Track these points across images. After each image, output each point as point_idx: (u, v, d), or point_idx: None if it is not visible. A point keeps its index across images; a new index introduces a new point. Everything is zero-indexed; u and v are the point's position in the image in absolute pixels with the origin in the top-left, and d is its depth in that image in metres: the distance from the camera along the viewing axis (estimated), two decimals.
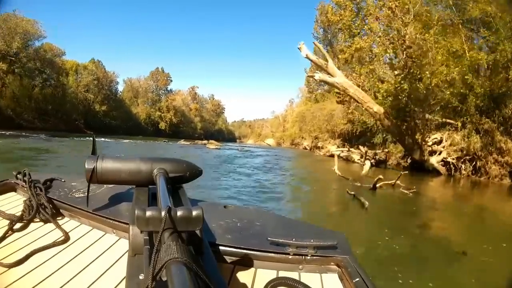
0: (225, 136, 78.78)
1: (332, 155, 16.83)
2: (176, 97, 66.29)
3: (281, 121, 57.09)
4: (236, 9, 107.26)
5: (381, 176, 7.05)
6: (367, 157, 13.84)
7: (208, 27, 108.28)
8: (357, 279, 0.82)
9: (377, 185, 6.87)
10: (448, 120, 12.87)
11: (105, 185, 1.22)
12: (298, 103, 51.17)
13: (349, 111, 21.02)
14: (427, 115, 12.72)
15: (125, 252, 0.90)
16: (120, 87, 58.65)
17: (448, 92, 12.09)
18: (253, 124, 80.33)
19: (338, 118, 25.67)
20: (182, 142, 31.48)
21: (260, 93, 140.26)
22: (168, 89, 64.18)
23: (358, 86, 13.69)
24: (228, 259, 0.91)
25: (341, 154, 16.39)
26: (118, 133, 39.36)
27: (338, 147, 21.06)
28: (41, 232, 1.04)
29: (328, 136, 28.10)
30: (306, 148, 33.64)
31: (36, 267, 0.85)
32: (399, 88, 12.23)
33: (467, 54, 11.67)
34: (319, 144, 27.92)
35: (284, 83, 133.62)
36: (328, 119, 28.27)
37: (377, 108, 12.30)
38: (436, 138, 12.98)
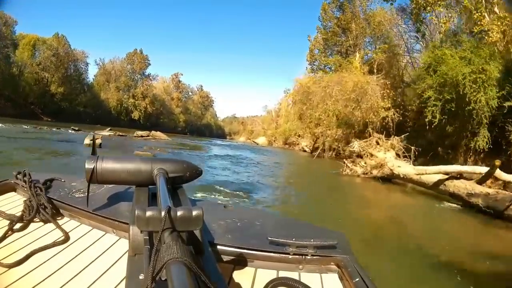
0: (214, 131, 72.34)
1: (388, 177, 9.24)
2: (156, 85, 58.24)
3: (274, 116, 49.09)
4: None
5: None
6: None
7: (198, 17, 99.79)
8: (357, 279, 0.82)
9: None
10: None
11: (105, 185, 1.22)
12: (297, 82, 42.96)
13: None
14: None
15: (125, 252, 0.89)
16: (94, 70, 51.62)
17: None
18: (246, 121, 71.53)
19: (373, 97, 16.64)
20: (105, 132, 19.98)
21: (254, 90, 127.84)
22: (146, 73, 55.13)
23: None
24: (228, 259, 0.91)
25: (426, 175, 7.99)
26: (84, 122, 33.29)
27: (398, 155, 10.19)
28: (41, 232, 1.03)
29: (354, 131, 17.23)
30: (305, 150, 25.87)
31: (36, 267, 0.85)
32: None
33: None
34: (341, 147, 17.48)
35: (281, 81, 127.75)
36: (357, 98, 17.00)
37: None
38: None
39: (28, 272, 0.82)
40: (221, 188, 6.29)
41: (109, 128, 22.15)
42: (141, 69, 53.51)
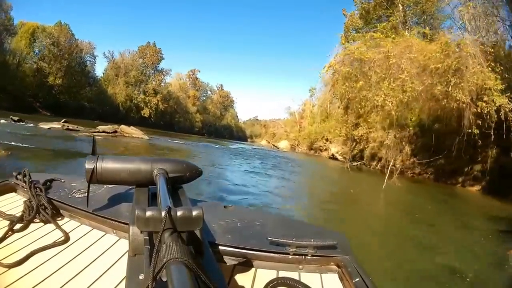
0: (234, 134, 68.82)
1: None
2: (172, 82, 54.41)
3: (297, 118, 44.27)
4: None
5: None
6: None
7: (217, 18, 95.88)
8: (357, 279, 0.83)
9: None
10: None
11: (105, 185, 1.22)
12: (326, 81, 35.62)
13: None
14: None
15: (125, 252, 0.90)
16: (103, 64, 49.40)
17: None
18: (268, 124, 69.26)
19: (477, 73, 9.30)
20: (54, 124, 15.26)
21: (277, 92, 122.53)
22: (159, 68, 50.88)
23: None
24: (228, 259, 0.92)
25: None
26: (88, 117, 30.72)
27: None
28: (41, 232, 1.03)
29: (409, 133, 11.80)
30: (335, 158, 20.27)
31: (36, 268, 0.85)
32: None
33: None
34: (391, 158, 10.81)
35: (304, 83, 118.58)
36: (451, 72, 9.63)
37: None
38: None
39: (28, 273, 0.82)
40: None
41: (64, 120, 16.57)
42: (153, 63, 49.30)
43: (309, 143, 30.17)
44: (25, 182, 1.21)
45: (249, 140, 68.68)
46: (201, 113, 59.48)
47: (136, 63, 47.68)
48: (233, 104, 71.72)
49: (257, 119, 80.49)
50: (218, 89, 66.71)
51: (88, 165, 0.94)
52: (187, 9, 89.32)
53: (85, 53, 41.95)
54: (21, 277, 0.80)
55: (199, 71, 61.03)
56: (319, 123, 25.27)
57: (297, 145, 34.47)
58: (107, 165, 0.96)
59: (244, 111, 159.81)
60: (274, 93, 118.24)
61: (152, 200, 0.89)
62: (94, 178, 0.95)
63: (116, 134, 15.31)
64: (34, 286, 0.77)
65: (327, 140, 25.16)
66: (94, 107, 39.44)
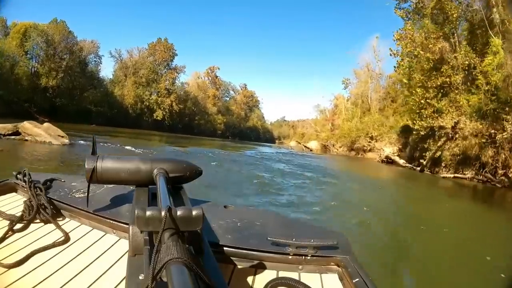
0: (261, 135, 64.44)
1: None
2: (189, 81, 49.12)
3: (329, 116, 39.65)
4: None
5: None
6: None
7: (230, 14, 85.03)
8: (357, 279, 0.82)
9: None
10: None
11: (105, 185, 1.22)
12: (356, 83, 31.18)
13: None
14: None
15: (125, 252, 0.90)
16: (109, 63, 45.43)
17: None
18: (296, 124, 64.95)
19: None
20: None
21: (303, 93, 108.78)
22: (172, 66, 44.99)
23: None
24: (228, 259, 0.92)
25: None
26: (95, 122, 28.38)
27: None
28: (41, 232, 1.03)
29: None
30: (390, 161, 15.61)
31: (37, 268, 0.85)
32: None
33: None
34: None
35: (330, 84, 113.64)
36: None
37: None
38: None
39: (28, 272, 0.82)
40: None
41: None
42: (165, 61, 43.83)
43: (349, 142, 24.41)
44: (25, 182, 1.21)
45: (277, 142, 65.03)
46: (223, 115, 54.29)
47: (146, 61, 42.71)
48: (259, 104, 65.93)
49: (284, 120, 76.06)
50: (241, 89, 61.04)
51: (88, 165, 0.94)
52: (202, 4, 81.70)
53: (87, 53, 37.62)
54: (21, 277, 0.80)
55: (219, 68, 54.80)
56: (360, 117, 21.65)
57: (333, 145, 29.30)
58: (107, 165, 0.96)
59: (270, 112, 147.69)
60: (300, 93, 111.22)
61: (152, 200, 0.90)
62: (94, 178, 0.95)
63: (16, 137, 9.93)
64: (34, 286, 0.77)
65: (371, 138, 20.39)
66: (102, 111, 35.92)
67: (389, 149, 17.09)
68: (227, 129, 54.79)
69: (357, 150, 22.80)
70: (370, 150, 20.89)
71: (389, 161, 16.42)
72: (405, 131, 15.86)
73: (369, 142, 21.20)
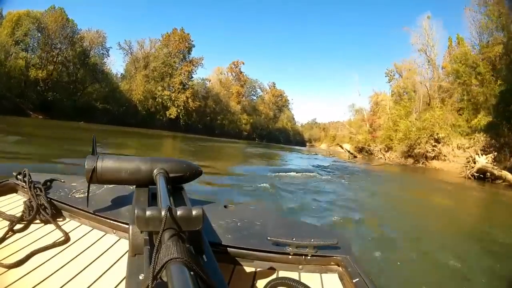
0: (291, 138, 60.96)
1: None
2: (211, 77, 43.40)
3: (365, 115, 34.47)
4: None
5: None
6: None
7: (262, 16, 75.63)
8: (357, 279, 0.82)
9: None
10: None
11: (105, 185, 1.23)
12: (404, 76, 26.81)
13: None
14: None
15: (125, 252, 0.90)
16: (121, 57, 41.83)
17: None
18: (327, 126, 62.02)
19: None
20: None
21: (334, 95, 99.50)
22: (188, 59, 39.80)
23: None
24: (228, 259, 0.92)
25: None
26: (100, 121, 25.76)
27: None
28: (41, 232, 1.03)
29: None
30: (484, 177, 11.24)
31: (37, 268, 0.85)
32: None
33: None
34: None
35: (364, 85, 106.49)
36: None
37: None
38: None
39: (28, 273, 0.82)
40: None
41: None
42: (180, 52, 38.82)
43: (407, 146, 18.11)
44: (25, 182, 1.21)
45: (307, 144, 61.75)
46: (249, 114, 49.19)
47: (159, 53, 37.90)
48: (288, 104, 60.85)
49: (315, 122, 72.77)
50: (270, 87, 55.39)
51: (88, 165, 0.94)
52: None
53: (91, 44, 33.59)
54: (21, 277, 0.80)
55: (243, 63, 48.53)
56: (420, 112, 15.89)
57: (379, 150, 23.76)
58: (107, 165, 0.96)
59: (301, 113, 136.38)
60: (333, 94, 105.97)
61: (152, 200, 0.89)
62: (94, 178, 0.95)
63: None
64: (34, 286, 0.77)
65: (436, 141, 15.36)
66: (108, 108, 32.31)
67: (482, 158, 11.91)
68: (254, 130, 50.41)
69: (417, 157, 17.23)
70: (434, 158, 16.11)
71: (484, 176, 11.36)
72: (492, 131, 11.10)
73: (433, 146, 16.05)
